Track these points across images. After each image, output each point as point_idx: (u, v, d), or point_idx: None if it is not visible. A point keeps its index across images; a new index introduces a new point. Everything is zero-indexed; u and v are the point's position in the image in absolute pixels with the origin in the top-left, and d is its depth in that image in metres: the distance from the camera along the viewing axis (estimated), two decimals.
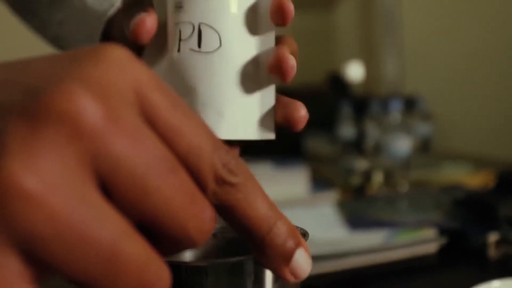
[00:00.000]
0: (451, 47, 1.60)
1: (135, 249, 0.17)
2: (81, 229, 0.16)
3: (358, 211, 0.82)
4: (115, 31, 0.34)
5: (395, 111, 1.11)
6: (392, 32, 2.03)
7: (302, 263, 0.22)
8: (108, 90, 0.18)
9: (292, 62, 0.29)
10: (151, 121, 0.19)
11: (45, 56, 0.19)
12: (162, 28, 0.28)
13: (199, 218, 0.19)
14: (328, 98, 1.84)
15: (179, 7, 0.25)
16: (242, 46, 0.27)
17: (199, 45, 0.26)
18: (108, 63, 0.18)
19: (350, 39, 2.24)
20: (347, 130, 1.39)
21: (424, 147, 1.19)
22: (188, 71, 0.26)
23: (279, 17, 0.29)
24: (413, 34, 1.86)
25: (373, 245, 0.66)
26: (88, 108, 0.17)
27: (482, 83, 1.50)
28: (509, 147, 1.09)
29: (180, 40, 0.26)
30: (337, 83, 1.97)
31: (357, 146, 1.32)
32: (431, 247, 0.67)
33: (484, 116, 1.44)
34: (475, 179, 0.95)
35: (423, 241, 0.67)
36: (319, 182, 1.07)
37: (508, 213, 0.69)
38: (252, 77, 0.28)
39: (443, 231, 0.68)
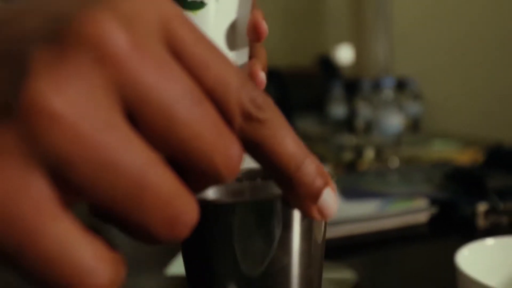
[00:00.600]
0: (439, 30, 1.62)
1: (163, 179, 0.17)
2: (108, 153, 0.16)
3: (350, 184, 0.84)
4: None
5: (388, 88, 1.13)
6: (382, 14, 2.04)
7: (330, 202, 0.22)
8: (135, 20, 0.17)
9: (265, 26, 0.32)
10: (177, 54, 0.19)
11: None
12: None
13: (226, 152, 0.19)
14: (318, 80, 1.86)
15: None
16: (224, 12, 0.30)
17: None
18: None
19: (340, 22, 2.24)
20: (337, 110, 1.41)
21: (413, 126, 1.21)
22: None
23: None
24: (403, 16, 1.87)
25: (367, 213, 0.67)
26: (115, 34, 0.17)
27: (469, 65, 1.53)
28: (494, 127, 1.12)
29: None
30: (328, 65, 1.99)
31: (347, 125, 1.34)
32: (422, 217, 0.69)
33: (470, 98, 1.47)
34: (463, 156, 0.97)
35: (415, 211, 0.69)
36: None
37: (496, 184, 0.72)
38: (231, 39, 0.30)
39: (433, 202, 0.71)
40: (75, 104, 0.16)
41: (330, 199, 0.22)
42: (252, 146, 0.20)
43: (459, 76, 1.55)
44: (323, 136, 1.33)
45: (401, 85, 1.26)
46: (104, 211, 0.17)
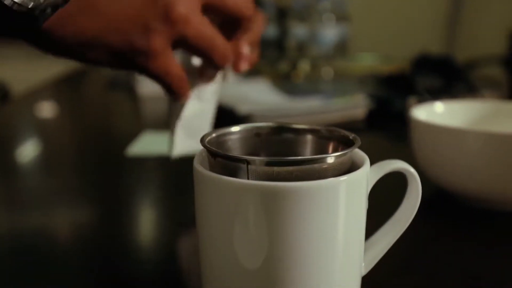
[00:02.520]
0: None
1: (221, 41, 0.38)
2: (205, 32, 0.37)
3: (291, 88, 0.87)
4: None
5: (324, 1, 1.15)
6: None
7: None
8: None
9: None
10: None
11: None
12: None
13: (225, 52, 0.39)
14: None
15: None
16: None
17: None
18: None
19: None
20: (268, 30, 1.42)
21: (341, 44, 1.26)
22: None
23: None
24: None
25: (312, 108, 0.71)
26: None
27: None
28: (408, 49, 1.21)
29: None
30: None
31: (279, 45, 1.36)
32: (361, 112, 0.75)
33: (391, 19, 1.59)
34: (389, 67, 1.04)
35: (355, 106, 0.74)
36: (248, 71, 1.11)
37: (425, 83, 0.78)
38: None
39: (370, 98, 0.76)
40: (189, 8, 0.36)
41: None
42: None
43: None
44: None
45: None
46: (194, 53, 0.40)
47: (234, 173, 0.25)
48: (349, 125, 0.73)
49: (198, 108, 0.42)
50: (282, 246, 0.24)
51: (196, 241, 0.28)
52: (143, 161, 0.57)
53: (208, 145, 0.26)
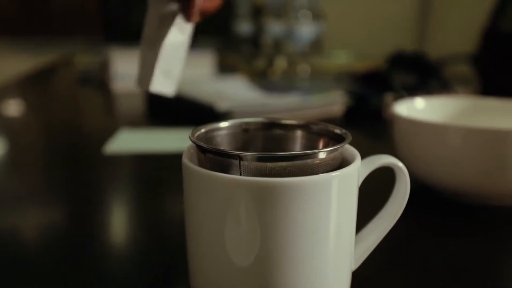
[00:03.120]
0: None
1: None
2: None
3: (268, 84, 0.87)
4: None
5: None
6: None
7: None
8: None
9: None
10: None
11: None
12: None
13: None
14: None
15: None
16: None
17: None
18: None
19: None
20: (244, 28, 1.41)
21: (317, 41, 1.27)
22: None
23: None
24: None
25: (290, 104, 0.71)
26: None
27: None
28: (382, 47, 1.22)
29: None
30: None
31: (254, 42, 1.36)
32: (339, 108, 0.75)
33: (364, 17, 1.60)
34: (364, 65, 1.05)
35: (332, 102, 0.75)
36: (223, 68, 1.10)
37: (400, 80, 0.80)
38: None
39: (348, 95, 0.77)
40: None
41: None
42: None
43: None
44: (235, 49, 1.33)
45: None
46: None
47: (225, 169, 0.25)
48: (327, 121, 0.73)
49: (179, 40, 0.39)
50: (275, 242, 0.24)
51: (177, 240, 0.27)
52: (121, 159, 0.56)
53: (198, 141, 0.26)
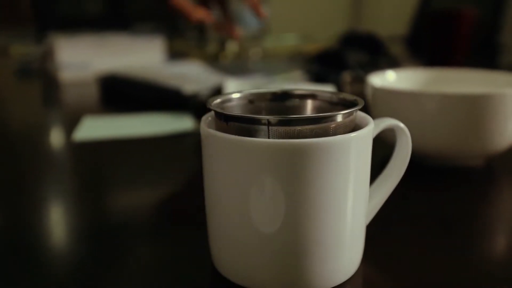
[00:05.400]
0: None
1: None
2: None
3: (224, 67, 0.87)
4: None
5: None
6: None
7: None
8: None
9: None
10: None
11: None
12: None
13: None
14: None
15: None
16: None
17: None
18: None
19: None
20: None
21: (266, 25, 1.28)
22: None
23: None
24: None
25: (256, 85, 0.72)
26: None
27: None
28: (324, 29, 1.26)
29: None
30: None
31: (199, 26, 1.35)
32: None
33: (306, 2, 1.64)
34: (313, 46, 1.08)
35: (294, 82, 0.76)
36: (173, 54, 1.09)
37: (355, 58, 0.83)
38: None
39: (307, 74, 0.79)
40: None
41: None
42: None
43: None
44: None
45: None
46: None
47: (252, 135, 0.25)
48: None
49: None
50: (302, 203, 0.25)
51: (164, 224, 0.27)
52: (92, 146, 0.55)
53: (221, 110, 0.26)
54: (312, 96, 0.31)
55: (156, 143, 0.55)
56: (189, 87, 0.67)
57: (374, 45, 0.90)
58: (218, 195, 0.27)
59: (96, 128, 0.61)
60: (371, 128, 0.27)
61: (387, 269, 0.29)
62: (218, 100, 0.29)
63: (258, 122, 0.25)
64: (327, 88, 0.63)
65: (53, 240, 0.34)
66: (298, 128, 0.25)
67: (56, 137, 0.61)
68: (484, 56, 1.22)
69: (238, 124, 0.26)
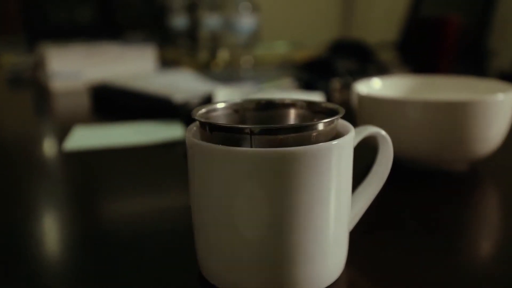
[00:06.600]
0: None
1: None
2: None
3: (214, 75, 0.88)
4: None
5: None
6: None
7: None
8: None
9: None
10: None
11: None
12: None
13: None
14: None
15: None
16: None
17: None
18: None
19: None
20: (179, 21, 1.41)
21: (257, 33, 1.29)
22: None
23: None
24: None
25: (246, 93, 0.73)
26: None
27: None
28: (313, 37, 1.28)
29: None
30: None
31: (190, 36, 1.36)
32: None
33: (294, 10, 1.66)
34: (302, 54, 1.09)
35: (284, 89, 0.77)
36: (164, 62, 1.09)
37: (345, 66, 0.84)
38: None
39: (297, 82, 0.80)
40: None
41: None
42: None
43: None
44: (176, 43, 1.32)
45: None
46: None
47: (234, 145, 0.26)
48: None
49: None
50: (285, 209, 0.26)
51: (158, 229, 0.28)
52: (82, 155, 0.55)
53: (205, 120, 0.27)
54: (295, 105, 0.32)
55: (147, 152, 0.55)
56: (179, 96, 0.68)
57: (363, 52, 0.91)
58: (204, 203, 0.27)
59: (87, 137, 0.61)
60: (352, 135, 0.28)
61: (371, 273, 0.30)
62: (203, 110, 0.30)
63: (241, 131, 0.26)
64: (315, 96, 0.64)
65: (44, 249, 0.34)
66: (280, 136, 0.26)
67: (47, 146, 0.61)
68: (471, 62, 1.24)
69: (222, 133, 0.26)
